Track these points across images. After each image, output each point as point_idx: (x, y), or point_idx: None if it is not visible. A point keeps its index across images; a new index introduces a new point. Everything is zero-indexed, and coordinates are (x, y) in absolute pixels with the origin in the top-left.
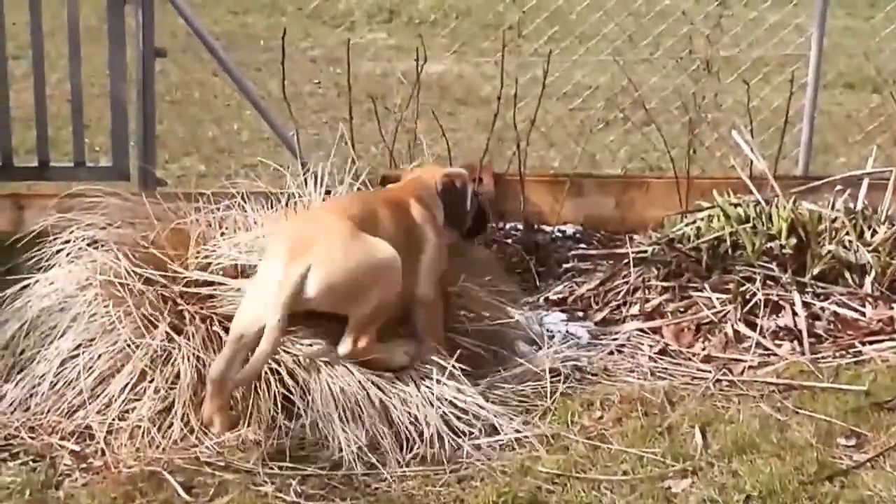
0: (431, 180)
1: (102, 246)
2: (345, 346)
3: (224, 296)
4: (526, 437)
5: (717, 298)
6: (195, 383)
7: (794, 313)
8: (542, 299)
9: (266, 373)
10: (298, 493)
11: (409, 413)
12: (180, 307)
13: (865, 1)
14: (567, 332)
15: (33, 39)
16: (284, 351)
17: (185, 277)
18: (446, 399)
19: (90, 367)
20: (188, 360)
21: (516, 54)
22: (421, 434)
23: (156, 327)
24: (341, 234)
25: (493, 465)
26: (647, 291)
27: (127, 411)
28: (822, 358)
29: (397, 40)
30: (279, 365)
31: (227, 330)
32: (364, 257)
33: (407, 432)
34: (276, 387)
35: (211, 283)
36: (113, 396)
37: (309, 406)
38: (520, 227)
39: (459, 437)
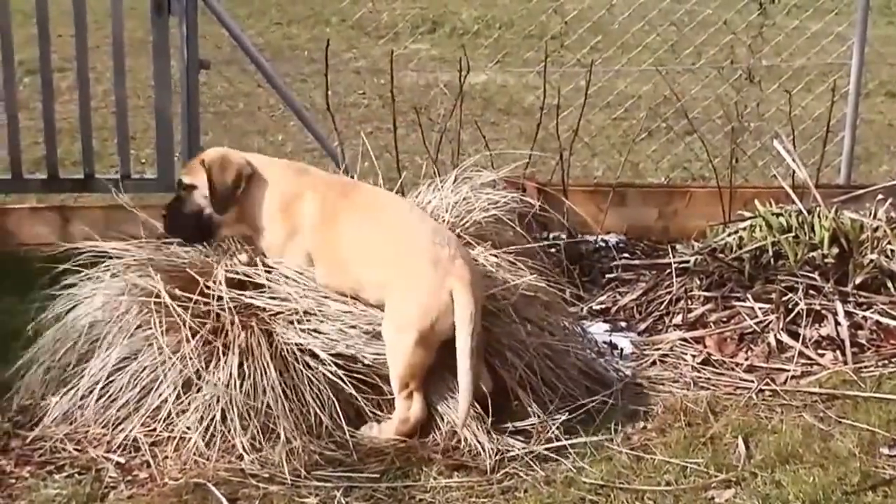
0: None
1: (145, 259)
2: None
3: (264, 305)
4: (570, 448)
5: (760, 308)
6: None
7: (837, 323)
8: (585, 309)
9: (309, 382)
10: None
11: (452, 424)
12: (221, 319)
13: None
14: (610, 342)
15: (78, 52)
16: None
17: (224, 290)
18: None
19: (134, 380)
20: (230, 371)
21: (559, 64)
22: (468, 446)
23: (199, 341)
24: None
25: (537, 475)
26: (689, 301)
27: (171, 424)
28: (865, 367)
29: (440, 51)
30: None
31: (269, 341)
32: None
33: (450, 443)
34: (322, 396)
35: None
36: (157, 409)
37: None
38: (563, 236)
39: (503, 447)
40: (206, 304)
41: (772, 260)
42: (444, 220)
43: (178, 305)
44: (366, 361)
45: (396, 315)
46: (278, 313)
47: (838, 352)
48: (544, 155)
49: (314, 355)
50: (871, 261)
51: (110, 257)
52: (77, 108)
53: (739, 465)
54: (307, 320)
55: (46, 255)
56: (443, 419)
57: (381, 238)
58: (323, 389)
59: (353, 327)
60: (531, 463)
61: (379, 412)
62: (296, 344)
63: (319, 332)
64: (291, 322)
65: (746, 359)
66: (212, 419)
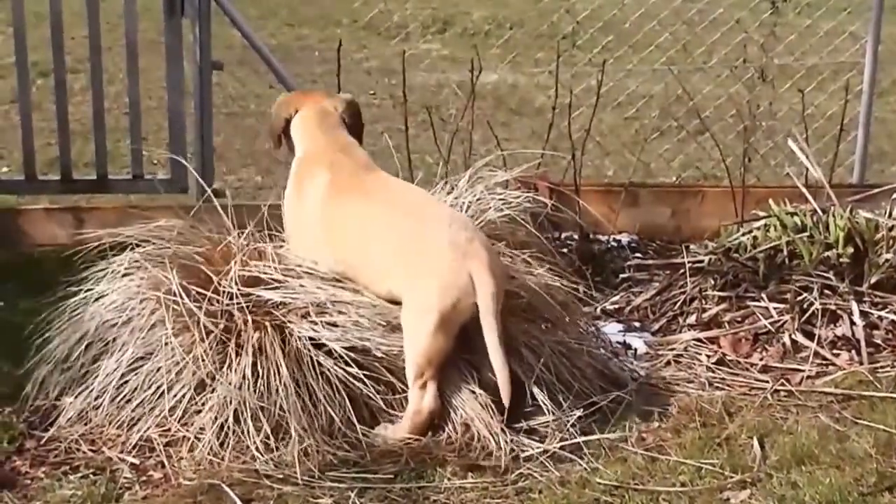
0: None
1: (158, 260)
2: None
3: (278, 300)
4: (584, 448)
5: (775, 308)
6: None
7: (852, 323)
8: (598, 309)
9: (323, 382)
10: None
11: (467, 422)
12: (235, 319)
13: None
14: (624, 342)
15: (92, 53)
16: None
17: (238, 290)
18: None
19: (149, 381)
20: (244, 372)
21: (570, 64)
22: (482, 445)
23: (213, 340)
24: None
25: (551, 476)
26: (703, 301)
27: (186, 424)
28: (881, 367)
29: (451, 51)
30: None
31: (282, 340)
32: None
33: (464, 442)
34: (336, 396)
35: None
36: (172, 409)
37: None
38: (575, 236)
39: (518, 447)
40: (219, 301)
41: (786, 260)
42: None
43: (193, 303)
44: (379, 354)
45: (417, 300)
46: (291, 308)
47: (854, 352)
48: (556, 154)
49: (328, 353)
50: (887, 260)
51: (125, 254)
52: (90, 109)
53: (755, 465)
54: (320, 313)
55: (60, 256)
56: (456, 412)
57: (396, 223)
58: (336, 389)
59: (367, 318)
60: (545, 463)
61: (392, 411)
62: (309, 338)
63: (335, 326)
64: (304, 316)
65: (761, 359)
66: (225, 419)
